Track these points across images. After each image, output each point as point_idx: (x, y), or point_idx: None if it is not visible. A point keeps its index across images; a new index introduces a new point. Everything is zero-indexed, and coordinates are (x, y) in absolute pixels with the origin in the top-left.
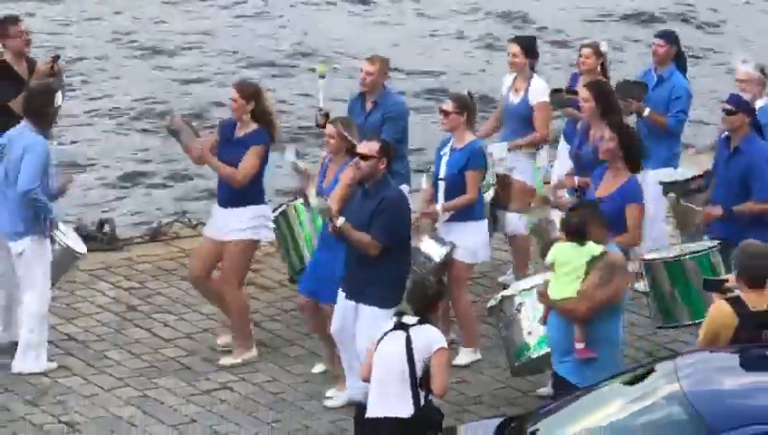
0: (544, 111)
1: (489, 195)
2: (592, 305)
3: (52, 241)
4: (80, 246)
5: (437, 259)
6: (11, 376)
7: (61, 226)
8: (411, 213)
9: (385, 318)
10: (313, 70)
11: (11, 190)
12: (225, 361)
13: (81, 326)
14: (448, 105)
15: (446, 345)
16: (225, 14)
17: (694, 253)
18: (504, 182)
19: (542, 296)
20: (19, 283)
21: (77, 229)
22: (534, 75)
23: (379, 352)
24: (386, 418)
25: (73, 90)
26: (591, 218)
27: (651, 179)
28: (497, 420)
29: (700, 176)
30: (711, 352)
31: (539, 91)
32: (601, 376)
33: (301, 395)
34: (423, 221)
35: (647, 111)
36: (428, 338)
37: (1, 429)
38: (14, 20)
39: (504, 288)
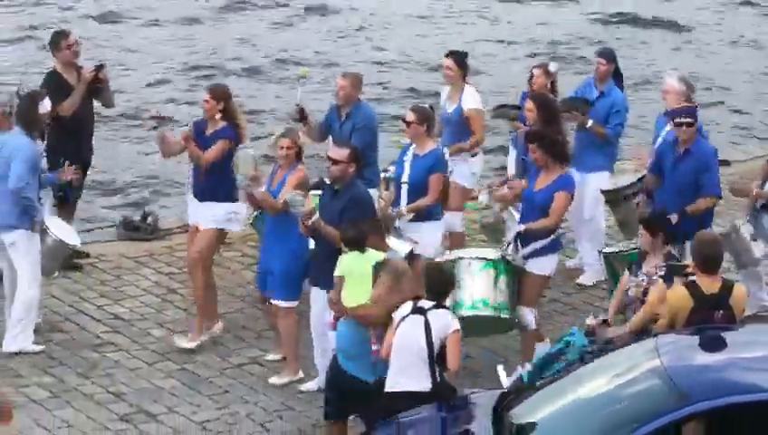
0: (478, 117)
1: None
2: (388, 309)
3: (46, 234)
4: (72, 239)
5: (402, 255)
6: (66, 351)
7: (54, 219)
8: (375, 212)
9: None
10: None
11: (3, 187)
12: (182, 343)
13: (126, 307)
14: (410, 116)
15: (459, 327)
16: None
17: None
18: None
19: (336, 304)
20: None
21: (124, 221)
22: (466, 86)
23: (399, 334)
24: (406, 392)
25: (121, 92)
26: (373, 230)
27: (591, 183)
28: (498, 392)
29: (635, 182)
30: (689, 332)
31: (470, 101)
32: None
33: None
34: (387, 219)
35: (590, 123)
36: (445, 322)
37: (56, 398)
38: (64, 34)
39: None
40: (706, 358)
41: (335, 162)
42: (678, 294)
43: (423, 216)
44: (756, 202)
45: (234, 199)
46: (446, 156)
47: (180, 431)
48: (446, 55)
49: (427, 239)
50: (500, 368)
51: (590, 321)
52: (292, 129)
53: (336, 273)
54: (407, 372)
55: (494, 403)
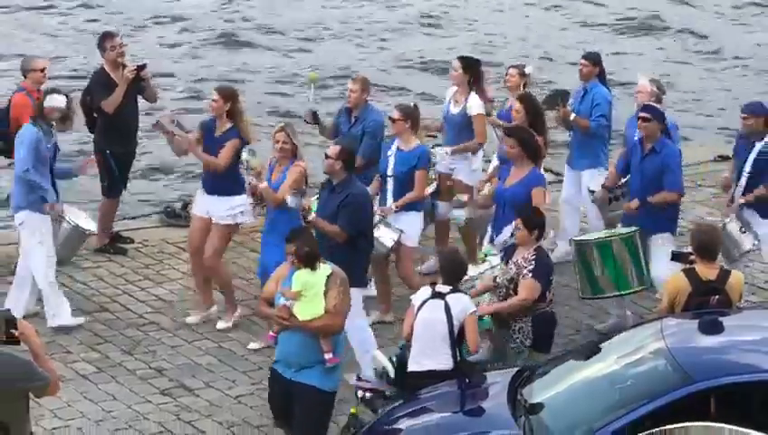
0: (481, 121)
1: (431, 188)
2: (344, 318)
3: (62, 220)
4: (89, 225)
5: (390, 244)
6: (110, 330)
7: (70, 208)
8: (372, 209)
9: (354, 294)
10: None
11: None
12: (221, 325)
13: (167, 289)
14: (395, 114)
15: (475, 309)
16: None
17: (621, 235)
18: (444, 180)
19: (286, 320)
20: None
21: (166, 209)
22: (473, 93)
23: (421, 317)
24: (429, 371)
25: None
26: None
27: (585, 180)
28: (515, 369)
29: (624, 183)
30: (691, 316)
31: (475, 105)
32: (340, 376)
33: None
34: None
35: (572, 116)
36: (463, 305)
37: (102, 373)
38: (110, 35)
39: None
40: (708, 340)
41: (327, 157)
42: (678, 279)
43: (409, 206)
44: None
45: (240, 193)
46: (448, 154)
47: (216, 405)
48: (457, 58)
49: (409, 229)
50: (377, 353)
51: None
52: (288, 123)
53: (294, 288)
54: (429, 353)
55: (510, 381)
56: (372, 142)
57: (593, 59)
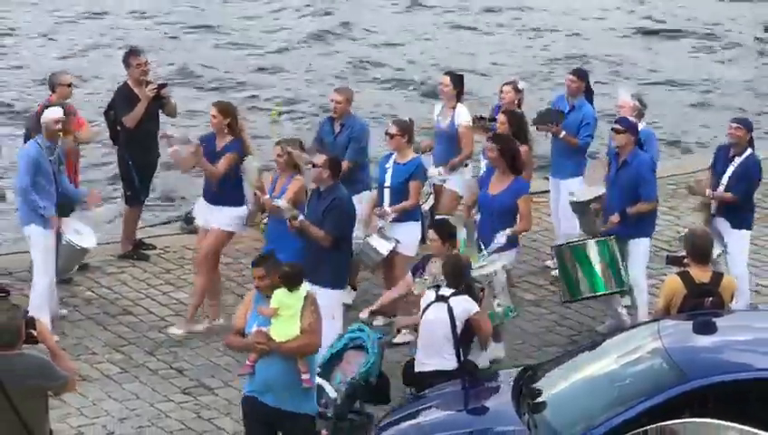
0: (468, 133)
1: (429, 203)
2: (320, 336)
3: (60, 237)
4: (86, 241)
5: (384, 252)
6: (134, 332)
7: (74, 222)
8: (356, 214)
9: (335, 296)
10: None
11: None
12: (173, 330)
13: (187, 293)
14: (393, 129)
15: (479, 309)
16: None
17: (597, 238)
18: (439, 191)
19: (263, 344)
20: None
21: (186, 217)
22: (459, 104)
23: (425, 320)
24: (434, 371)
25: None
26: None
27: (564, 189)
28: (518, 368)
29: (601, 195)
30: (687, 317)
31: (462, 117)
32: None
33: None
34: (372, 220)
35: (562, 134)
36: (466, 306)
37: (126, 373)
38: (135, 52)
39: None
40: (703, 340)
41: (314, 166)
42: (673, 282)
43: (403, 217)
44: (711, 205)
45: (240, 204)
46: (441, 174)
47: (235, 403)
48: (445, 74)
49: (407, 238)
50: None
51: (362, 314)
52: (290, 139)
53: (272, 304)
54: (433, 354)
55: (515, 379)
56: (358, 147)
57: (580, 74)
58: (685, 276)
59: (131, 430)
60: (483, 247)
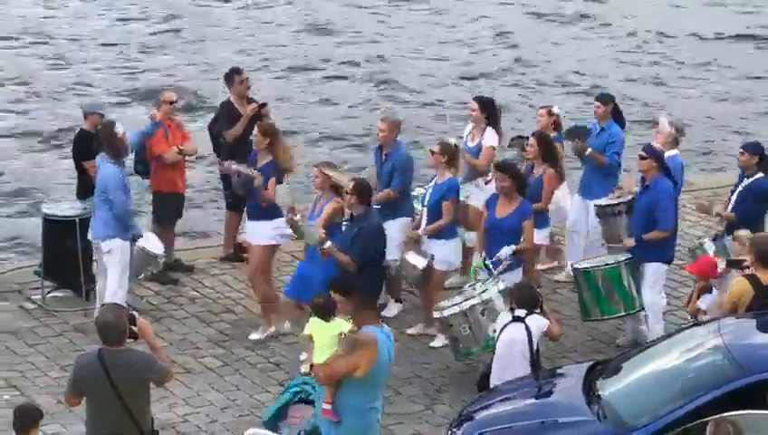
0: (488, 151)
1: None
2: (331, 373)
3: (134, 244)
4: (158, 249)
5: (421, 268)
6: (235, 328)
7: (144, 232)
8: (385, 241)
9: None
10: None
11: (103, 203)
12: (254, 336)
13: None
14: (435, 148)
15: (548, 321)
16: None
17: (608, 264)
18: (463, 208)
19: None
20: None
21: None
22: (488, 128)
23: (504, 339)
24: None
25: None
26: (367, 305)
27: (591, 210)
28: (589, 364)
29: (625, 201)
30: (745, 316)
31: (488, 138)
32: None
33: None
34: (412, 236)
35: (588, 151)
36: (540, 324)
37: (227, 366)
38: (238, 71)
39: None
40: (761, 337)
41: (346, 193)
42: (741, 284)
43: (439, 235)
44: (722, 224)
45: (275, 216)
46: (479, 186)
47: None
48: (474, 99)
49: (443, 255)
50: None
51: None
52: (326, 162)
53: (305, 331)
54: (510, 370)
55: (585, 374)
56: (402, 177)
57: (604, 99)
58: (752, 279)
59: (232, 419)
60: (492, 269)
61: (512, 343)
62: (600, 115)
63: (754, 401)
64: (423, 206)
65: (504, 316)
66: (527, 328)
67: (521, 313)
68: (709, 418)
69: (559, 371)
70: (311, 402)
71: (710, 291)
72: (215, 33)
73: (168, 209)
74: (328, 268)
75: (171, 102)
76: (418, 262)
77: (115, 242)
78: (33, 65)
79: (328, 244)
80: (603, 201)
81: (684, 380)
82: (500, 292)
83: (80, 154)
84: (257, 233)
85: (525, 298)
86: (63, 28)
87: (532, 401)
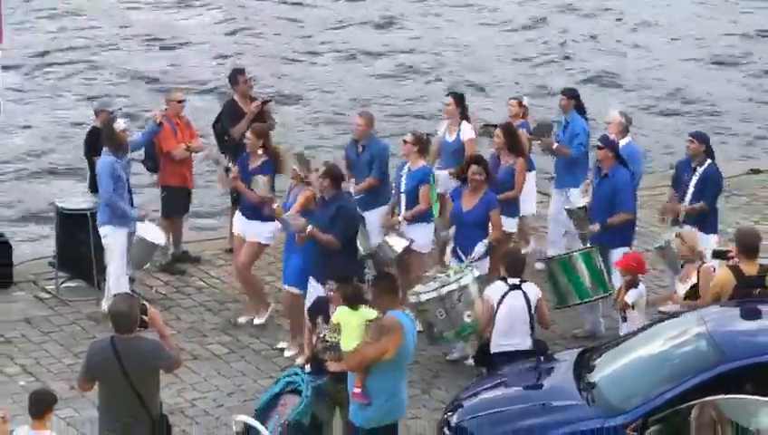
0: (472, 145)
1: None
2: (361, 360)
3: (133, 234)
4: (158, 239)
5: (399, 250)
6: (241, 318)
7: (142, 223)
8: (359, 222)
9: None
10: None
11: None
12: (257, 321)
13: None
14: (408, 137)
15: (541, 295)
16: None
17: (580, 250)
18: (443, 200)
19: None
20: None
21: None
22: (464, 121)
23: (505, 306)
24: (514, 351)
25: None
26: (389, 290)
27: (562, 198)
28: (579, 349)
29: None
30: (727, 305)
31: (467, 131)
32: (377, 420)
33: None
34: (391, 223)
35: (555, 145)
36: (535, 292)
37: (233, 353)
38: (241, 71)
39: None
40: (742, 325)
41: (318, 177)
42: (724, 275)
43: (417, 219)
44: (679, 216)
45: (273, 219)
46: (447, 177)
47: None
48: (447, 94)
49: (421, 238)
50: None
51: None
52: (297, 154)
53: (333, 320)
54: (512, 335)
55: (575, 360)
56: (381, 165)
57: (569, 93)
58: (735, 270)
59: (238, 403)
60: (463, 258)
61: (513, 311)
62: (564, 108)
63: (736, 386)
64: (400, 192)
65: (500, 286)
66: (525, 294)
67: (514, 281)
68: (693, 402)
69: (554, 355)
70: (299, 392)
71: (636, 286)
72: None
73: (176, 203)
74: (306, 253)
75: (179, 101)
76: (398, 244)
77: (107, 228)
78: None
79: (309, 227)
80: (571, 204)
81: (669, 366)
82: (475, 279)
83: (91, 149)
84: (252, 231)
85: (516, 264)
86: None
87: (525, 386)
